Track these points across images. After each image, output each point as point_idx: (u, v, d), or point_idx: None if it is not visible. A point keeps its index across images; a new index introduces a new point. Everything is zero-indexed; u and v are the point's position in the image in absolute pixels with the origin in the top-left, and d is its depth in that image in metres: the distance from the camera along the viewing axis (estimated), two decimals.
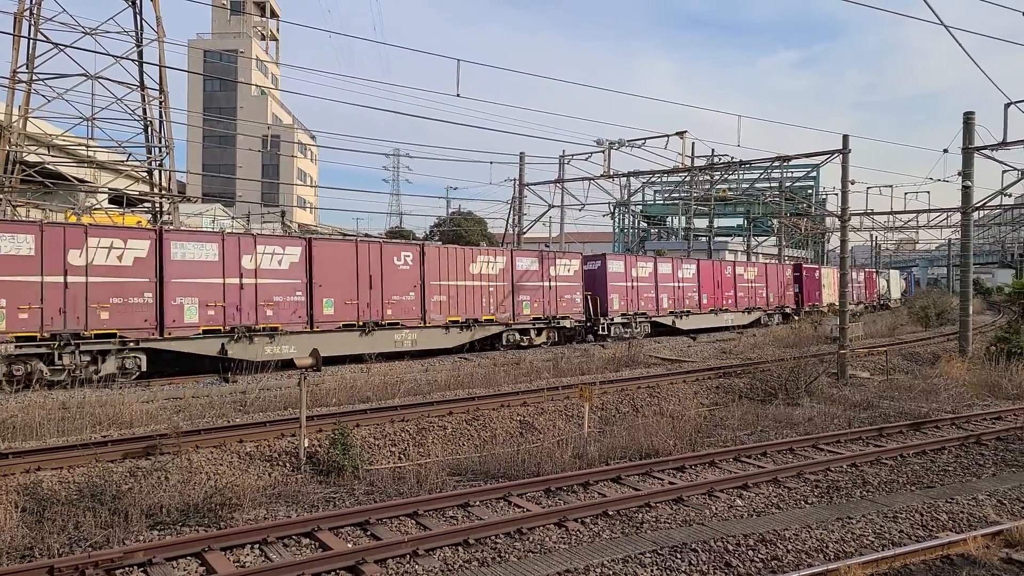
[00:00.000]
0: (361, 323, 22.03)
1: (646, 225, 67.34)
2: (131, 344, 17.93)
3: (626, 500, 9.84)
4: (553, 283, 27.91)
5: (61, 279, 17.11)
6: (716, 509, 9.81)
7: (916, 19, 15.23)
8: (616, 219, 60.30)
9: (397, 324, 22.93)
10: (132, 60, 28.36)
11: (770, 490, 10.74)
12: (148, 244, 18.37)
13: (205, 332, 19.08)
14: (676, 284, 33.87)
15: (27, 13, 26.31)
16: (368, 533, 8.76)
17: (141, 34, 28.46)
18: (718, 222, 59.89)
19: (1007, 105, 23.99)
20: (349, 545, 8.28)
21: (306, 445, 11.85)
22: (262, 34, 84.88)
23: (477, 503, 9.82)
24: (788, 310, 41.35)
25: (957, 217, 34.51)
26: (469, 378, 19.03)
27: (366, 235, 47.23)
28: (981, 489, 10.62)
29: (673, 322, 33.34)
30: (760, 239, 58.42)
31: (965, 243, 26.51)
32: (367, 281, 22.25)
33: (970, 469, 12.05)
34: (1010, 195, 31.55)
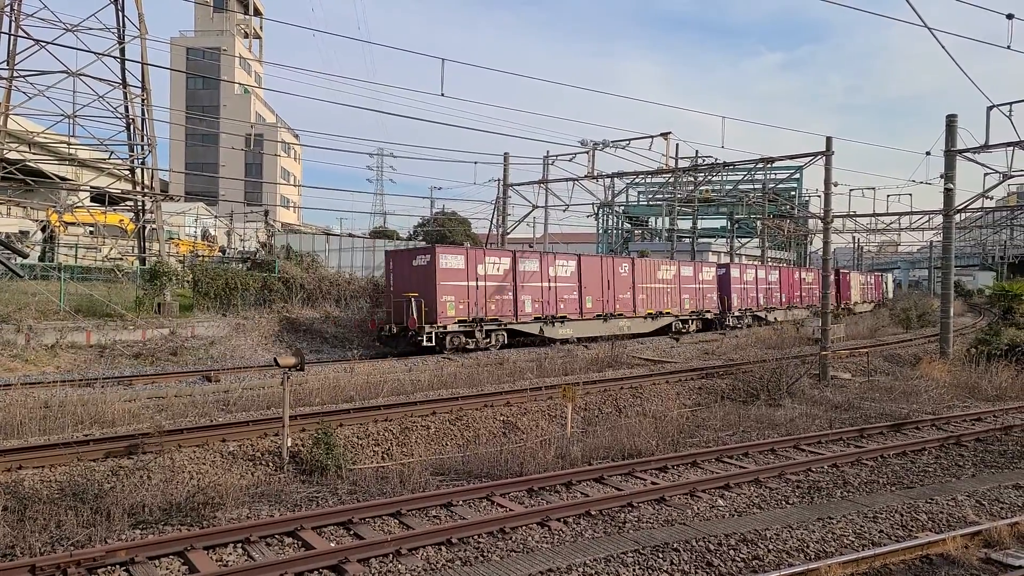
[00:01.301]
0: (604, 314, 30.06)
1: (630, 226, 67.57)
2: (504, 325, 26.08)
3: (609, 500, 9.89)
4: (702, 285, 35.99)
5: (475, 284, 25.17)
6: (698, 509, 9.88)
7: (900, 21, 15.41)
8: (600, 220, 60.46)
9: (620, 315, 30.87)
10: (114, 57, 28.09)
11: (752, 490, 10.83)
12: (509, 260, 26.55)
13: (535, 319, 27.19)
14: (767, 286, 41.99)
15: (7, 9, 26.00)
16: (351, 532, 8.75)
17: (123, 31, 28.19)
18: (701, 223, 60.16)
19: (989, 108, 24.30)
20: (332, 544, 8.26)
21: (289, 444, 11.81)
22: (245, 32, 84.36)
23: (460, 503, 9.83)
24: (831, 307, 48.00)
25: (939, 219, 34.98)
26: (452, 378, 19.03)
27: (350, 234, 47.13)
28: (960, 490, 10.76)
29: (765, 315, 40.61)
30: (743, 240, 58.76)
31: (947, 245, 26.84)
32: (607, 284, 30.35)
33: (950, 470, 12.20)
34: (991, 197, 31.94)
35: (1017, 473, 11.88)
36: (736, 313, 37.84)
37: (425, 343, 23.55)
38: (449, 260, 24.60)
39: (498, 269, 26.10)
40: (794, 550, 8.16)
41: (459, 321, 24.57)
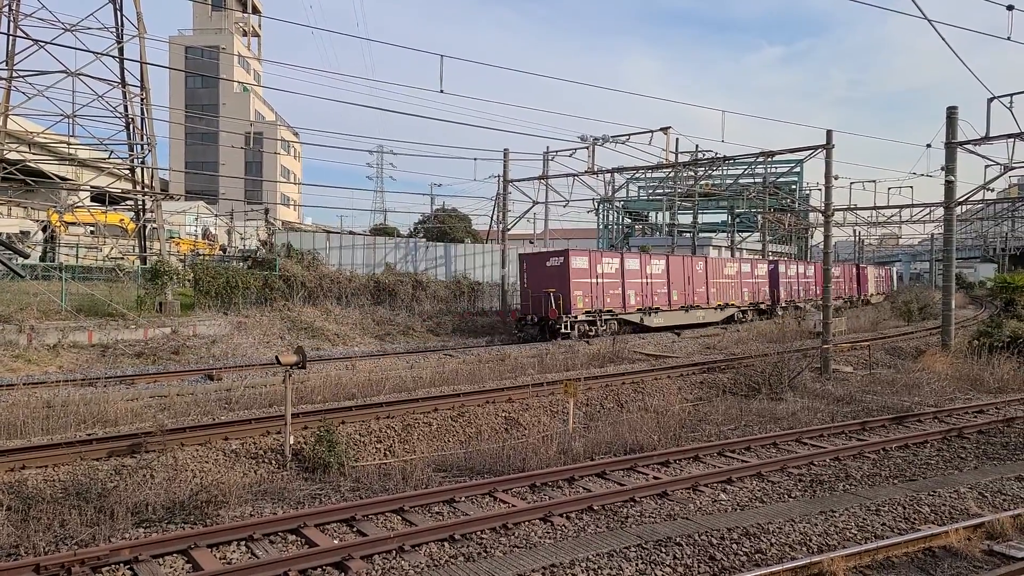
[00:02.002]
0: (685, 305, 33.82)
1: (630, 221, 67.48)
2: (616, 315, 29.95)
3: (611, 495, 9.91)
4: (757, 280, 39.89)
5: (596, 280, 29.04)
6: (700, 503, 9.89)
7: (900, 13, 15.35)
8: (600, 215, 60.38)
9: (698, 306, 34.55)
10: (113, 57, 28.08)
11: (754, 484, 10.84)
12: (618, 260, 30.58)
13: (637, 310, 31.06)
14: (806, 280, 45.44)
15: (6, 9, 25.98)
16: (354, 529, 8.77)
17: (122, 30, 28.17)
18: (702, 218, 60.10)
19: (990, 100, 24.21)
20: (335, 541, 8.28)
21: (292, 442, 11.83)
22: (244, 30, 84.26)
23: (463, 499, 9.84)
24: (854, 298, 53.39)
25: (940, 212, 34.94)
26: (454, 375, 19.04)
27: (350, 232, 47.12)
28: (963, 482, 10.76)
29: (804, 305, 43.52)
30: (744, 235, 58.69)
31: (948, 238, 26.81)
32: (687, 280, 34.09)
33: (952, 462, 12.20)
34: (992, 189, 31.80)
35: (1019, 465, 11.88)
36: (783, 304, 41.92)
37: (563, 330, 27.50)
38: (578, 261, 28.52)
39: (611, 268, 30.20)
40: (797, 544, 8.17)
41: (585, 312, 28.70)
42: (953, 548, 8.11)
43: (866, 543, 8.11)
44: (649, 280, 31.88)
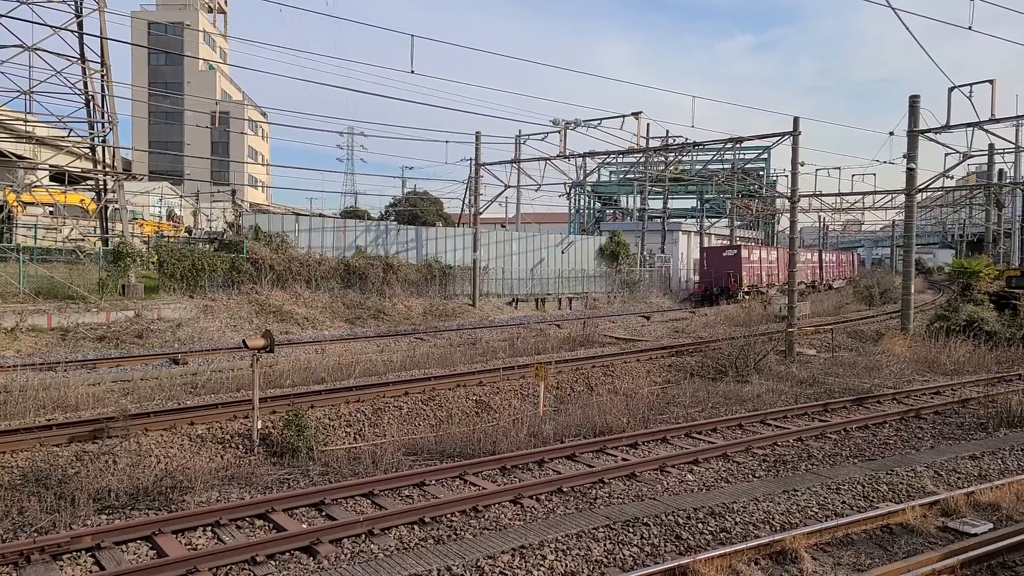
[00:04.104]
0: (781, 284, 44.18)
1: (601, 206, 67.66)
2: (757, 288, 41.25)
3: (580, 477, 10.01)
4: (810, 265, 52.06)
5: (751, 265, 42.40)
6: (668, 484, 10.04)
7: (868, 2, 15.47)
8: (572, 200, 60.48)
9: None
10: (72, 31, 27.24)
11: (720, 465, 11.03)
12: (760, 250, 44.65)
13: (767, 285, 43.21)
14: (825, 265, 56.08)
15: None
16: (323, 514, 8.75)
17: (81, 3, 27.31)
18: (672, 204, 60.50)
19: (951, 89, 24.62)
20: (304, 526, 8.25)
21: (259, 427, 11.73)
22: (209, 6, 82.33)
23: (433, 482, 9.87)
24: (816, 282, 60.09)
25: (901, 199, 35.51)
26: (425, 358, 19.00)
27: (320, 214, 46.61)
28: (920, 461, 11.06)
29: (828, 285, 55.08)
30: (712, 220, 59.26)
31: (908, 224, 27.32)
32: (783, 265, 43.64)
33: (910, 442, 12.54)
34: (952, 177, 32.41)
35: (974, 444, 12.25)
36: (823, 283, 54.88)
37: (739, 298, 38.90)
38: (745, 252, 42.74)
39: (758, 257, 44.66)
40: (760, 522, 8.34)
41: (748, 286, 41.30)
42: (910, 525, 8.35)
43: (827, 521, 8.31)
44: (772, 265, 45.97)
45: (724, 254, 43.05)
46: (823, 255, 59.41)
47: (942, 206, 68.24)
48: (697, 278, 45.67)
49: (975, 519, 8.51)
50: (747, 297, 38.94)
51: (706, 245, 49.62)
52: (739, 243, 47.36)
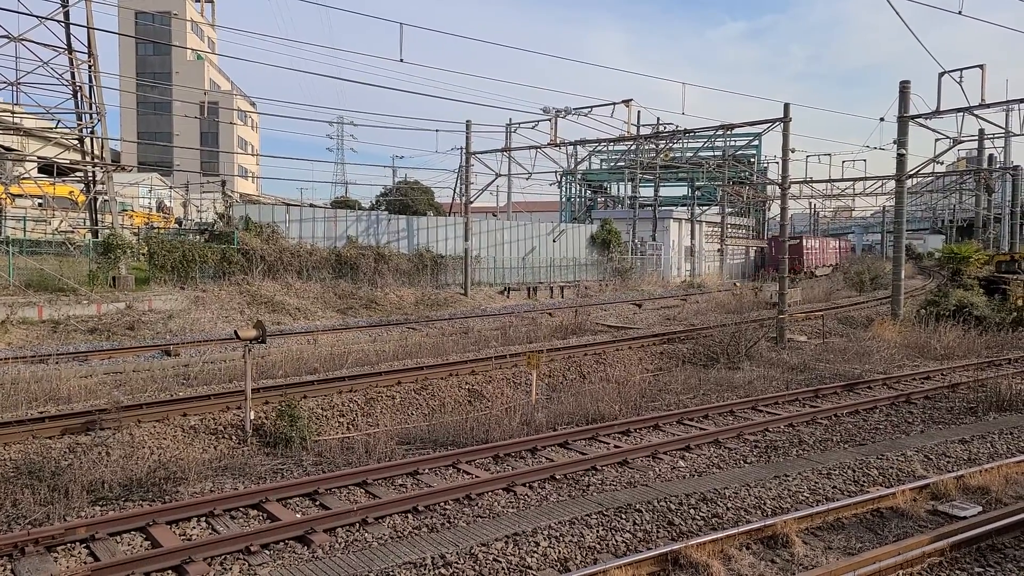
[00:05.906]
0: (817, 265, 57.25)
1: (591, 194, 67.63)
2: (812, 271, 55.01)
3: (573, 464, 10.06)
4: (839, 251, 66.93)
5: (806, 252, 54.33)
6: (660, 471, 10.11)
7: None
8: (563, 188, 60.41)
9: (820, 265, 57.72)
10: (58, 21, 26.94)
11: (711, 451, 11.10)
12: (807, 240, 57.36)
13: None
14: (846, 252, 72.16)
15: None
16: (317, 503, 8.77)
17: None
18: (663, 191, 60.52)
19: (941, 74, 24.65)
20: (298, 515, 8.27)
21: (252, 417, 11.73)
22: None
23: (426, 471, 9.90)
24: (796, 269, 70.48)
25: (892, 184, 35.63)
26: (417, 348, 19.01)
27: (311, 204, 46.47)
28: (910, 445, 11.16)
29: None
30: (703, 207, 59.33)
31: (899, 210, 27.43)
32: (821, 250, 60.08)
33: (900, 427, 12.65)
34: (942, 163, 32.56)
35: (963, 428, 12.36)
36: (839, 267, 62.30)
37: (802, 277, 46.85)
38: (803, 242, 53.32)
39: (808, 244, 54.84)
40: (752, 507, 8.41)
41: (806, 267, 50.79)
42: (900, 509, 8.43)
43: (818, 505, 8.39)
44: (817, 251, 56.83)
45: (788, 244, 50.47)
46: (840, 242, 72.36)
47: (932, 192, 68.58)
48: (760, 261, 58.69)
49: (965, 502, 8.60)
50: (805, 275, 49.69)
51: (770, 236, 62.11)
52: (800, 234, 61.89)
